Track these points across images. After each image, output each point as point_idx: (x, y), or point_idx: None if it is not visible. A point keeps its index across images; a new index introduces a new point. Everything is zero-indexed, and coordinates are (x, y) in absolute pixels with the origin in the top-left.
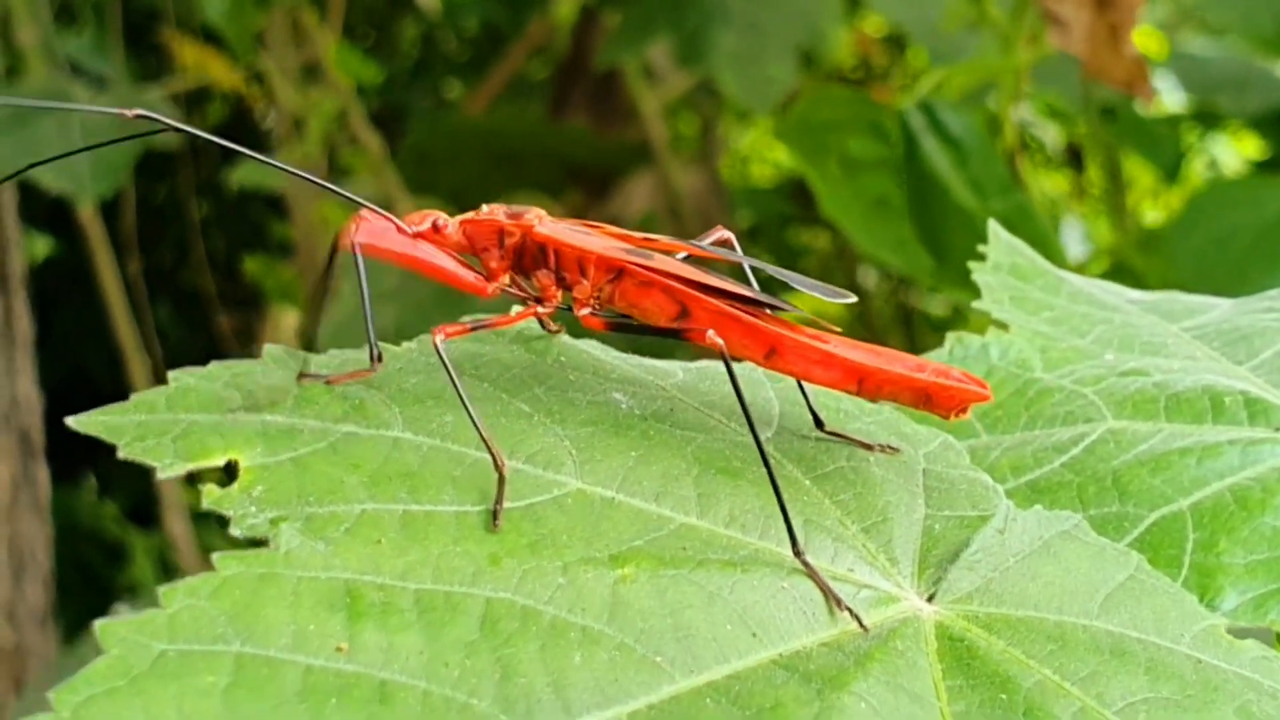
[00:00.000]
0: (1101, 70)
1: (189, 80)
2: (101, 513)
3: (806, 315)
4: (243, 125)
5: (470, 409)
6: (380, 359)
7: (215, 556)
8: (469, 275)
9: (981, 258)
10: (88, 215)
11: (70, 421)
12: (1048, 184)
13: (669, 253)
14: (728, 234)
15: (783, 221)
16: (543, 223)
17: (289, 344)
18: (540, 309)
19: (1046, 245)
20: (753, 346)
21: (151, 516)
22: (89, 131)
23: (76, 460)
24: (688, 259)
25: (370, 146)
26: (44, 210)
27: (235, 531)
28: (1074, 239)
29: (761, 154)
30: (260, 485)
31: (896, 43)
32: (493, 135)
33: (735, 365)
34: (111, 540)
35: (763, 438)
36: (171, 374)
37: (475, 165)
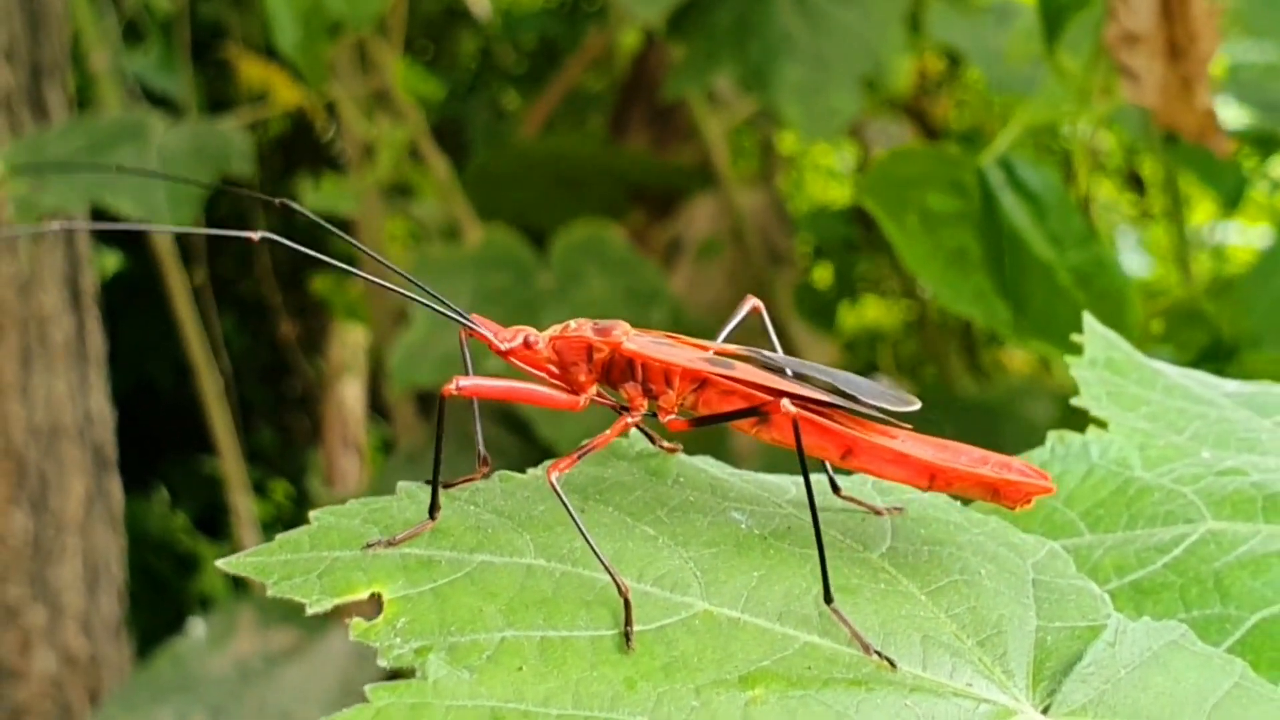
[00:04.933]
0: (1174, 121)
1: (254, 99)
2: (171, 524)
3: (880, 415)
4: (305, 140)
5: (589, 538)
6: (437, 510)
7: (368, 689)
8: (561, 396)
9: (1070, 332)
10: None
11: (221, 564)
12: (1105, 193)
13: (745, 359)
14: (756, 302)
15: (845, 244)
16: (630, 339)
17: (357, 361)
18: (629, 418)
19: (1122, 297)
20: (830, 448)
21: (220, 526)
22: (166, 158)
23: (146, 472)
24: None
25: (438, 170)
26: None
27: (382, 663)
28: (1128, 246)
29: (816, 162)
30: (404, 617)
31: (949, 54)
32: (555, 158)
33: (837, 474)
34: (182, 551)
35: (876, 554)
36: (313, 514)
37: (539, 187)
